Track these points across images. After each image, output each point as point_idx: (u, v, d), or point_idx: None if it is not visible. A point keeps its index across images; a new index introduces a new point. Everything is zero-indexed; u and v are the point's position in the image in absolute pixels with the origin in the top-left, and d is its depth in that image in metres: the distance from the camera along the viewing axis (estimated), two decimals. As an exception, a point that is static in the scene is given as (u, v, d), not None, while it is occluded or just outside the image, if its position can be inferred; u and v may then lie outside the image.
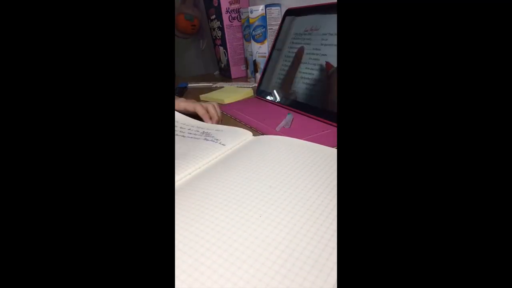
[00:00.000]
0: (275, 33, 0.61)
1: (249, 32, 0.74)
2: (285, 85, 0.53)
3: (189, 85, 0.81)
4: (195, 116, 0.49)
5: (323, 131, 0.40)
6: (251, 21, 0.72)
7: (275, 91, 0.55)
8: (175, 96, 0.53)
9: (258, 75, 0.74)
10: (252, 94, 0.64)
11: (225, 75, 0.92)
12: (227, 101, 0.60)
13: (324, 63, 0.46)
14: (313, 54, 0.48)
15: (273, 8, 0.71)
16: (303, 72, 0.49)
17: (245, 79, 0.85)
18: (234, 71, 0.88)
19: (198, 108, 0.48)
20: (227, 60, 0.87)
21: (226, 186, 0.28)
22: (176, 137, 0.43)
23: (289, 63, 0.53)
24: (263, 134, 0.42)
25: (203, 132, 0.43)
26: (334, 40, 0.44)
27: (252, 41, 0.74)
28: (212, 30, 0.89)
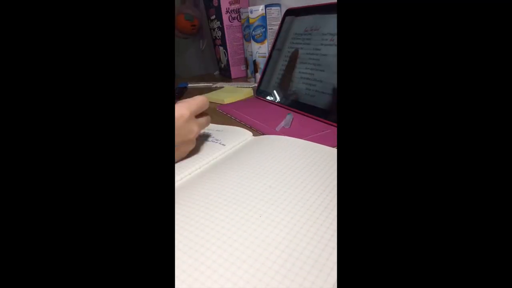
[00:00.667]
0: (275, 33, 0.61)
1: (249, 32, 0.74)
2: (285, 85, 0.53)
3: (189, 85, 0.81)
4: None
5: (323, 131, 0.40)
6: (251, 21, 0.72)
7: (275, 91, 0.55)
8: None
9: (258, 75, 0.74)
10: (252, 94, 0.64)
11: (225, 75, 0.92)
12: (227, 101, 0.60)
13: (324, 63, 0.46)
14: (313, 54, 0.48)
15: (273, 8, 0.71)
16: (303, 72, 0.49)
17: (245, 79, 0.85)
18: (234, 71, 0.88)
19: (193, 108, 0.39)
20: (227, 60, 0.87)
21: (226, 186, 0.28)
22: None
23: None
24: (263, 134, 0.42)
25: (203, 132, 0.43)
26: (334, 40, 0.44)
27: (252, 41, 0.74)
28: (212, 30, 0.89)
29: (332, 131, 0.40)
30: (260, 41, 0.73)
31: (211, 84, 0.80)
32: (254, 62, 0.76)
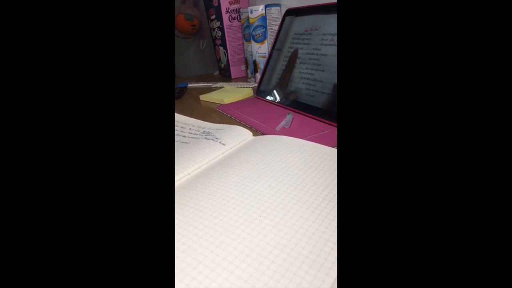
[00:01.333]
0: (275, 33, 0.61)
1: (249, 32, 0.74)
2: (285, 85, 0.53)
3: (189, 85, 0.81)
4: None
5: (323, 131, 0.40)
6: (251, 21, 0.72)
7: (275, 91, 0.55)
8: None
9: (258, 75, 0.74)
10: (252, 94, 0.64)
11: (225, 75, 0.92)
12: (227, 101, 0.60)
13: (324, 63, 0.46)
14: (313, 54, 0.48)
15: (273, 8, 0.71)
16: (303, 72, 0.49)
17: (245, 79, 0.85)
18: (234, 71, 0.88)
19: None
20: (227, 60, 0.87)
21: (226, 186, 0.28)
22: (176, 137, 0.43)
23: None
24: (263, 134, 0.42)
25: (204, 131, 0.43)
26: (334, 40, 0.44)
27: (252, 41, 0.74)
28: (212, 30, 0.89)
29: (332, 131, 0.40)
30: (260, 41, 0.73)
31: (211, 84, 0.80)
32: (254, 62, 0.76)
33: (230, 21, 0.82)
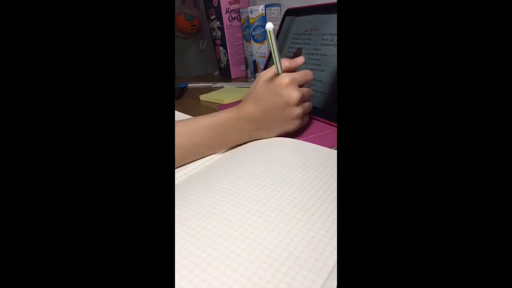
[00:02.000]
0: (274, 33, 0.61)
1: (249, 32, 0.74)
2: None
3: (189, 85, 0.81)
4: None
5: (323, 131, 0.40)
6: (251, 21, 0.72)
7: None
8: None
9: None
10: (252, 94, 0.64)
11: (225, 75, 0.92)
12: (226, 101, 0.60)
13: (324, 63, 0.46)
14: (313, 54, 0.48)
15: (273, 8, 0.71)
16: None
17: (245, 79, 0.85)
18: (234, 71, 0.88)
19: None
20: (227, 60, 0.87)
21: (222, 187, 0.28)
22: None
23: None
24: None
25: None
26: (334, 40, 0.44)
27: (252, 41, 0.74)
28: (212, 30, 0.89)
29: (332, 131, 0.40)
30: (260, 41, 0.73)
31: (211, 84, 0.80)
32: (254, 62, 0.76)
33: (230, 21, 0.82)
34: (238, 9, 0.81)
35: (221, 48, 0.88)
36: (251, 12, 0.71)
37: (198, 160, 0.35)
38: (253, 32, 0.73)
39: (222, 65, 0.92)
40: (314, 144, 0.34)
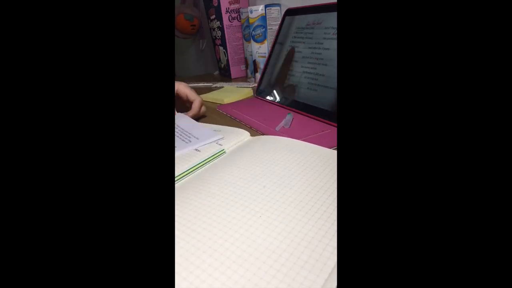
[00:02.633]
0: (274, 33, 0.61)
1: (249, 32, 0.74)
2: (285, 84, 0.53)
3: (189, 85, 0.81)
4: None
5: (323, 131, 0.40)
6: (251, 21, 0.72)
7: (274, 91, 0.55)
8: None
9: (258, 75, 0.74)
10: (252, 94, 0.64)
11: (225, 75, 0.92)
12: (226, 101, 0.60)
13: (326, 57, 0.46)
14: (315, 48, 0.48)
15: (273, 8, 0.71)
16: (305, 67, 0.49)
17: (245, 79, 0.85)
18: (234, 71, 0.88)
19: (181, 91, 0.52)
20: (227, 60, 0.87)
21: (221, 187, 0.28)
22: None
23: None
24: (262, 134, 0.42)
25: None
26: (336, 34, 0.44)
27: (252, 41, 0.74)
28: (212, 30, 0.89)
29: (331, 131, 0.40)
30: (260, 41, 0.73)
31: (211, 84, 0.80)
32: (254, 62, 0.76)
33: (230, 21, 0.82)
34: (238, 9, 0.81)
35: (221, 48, 0.88)
36: (251, 12, 0.71)
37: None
38: (253, 32, 0.72)
39: (222, 65, 0.92)
40: (314, 144, 0.34)
